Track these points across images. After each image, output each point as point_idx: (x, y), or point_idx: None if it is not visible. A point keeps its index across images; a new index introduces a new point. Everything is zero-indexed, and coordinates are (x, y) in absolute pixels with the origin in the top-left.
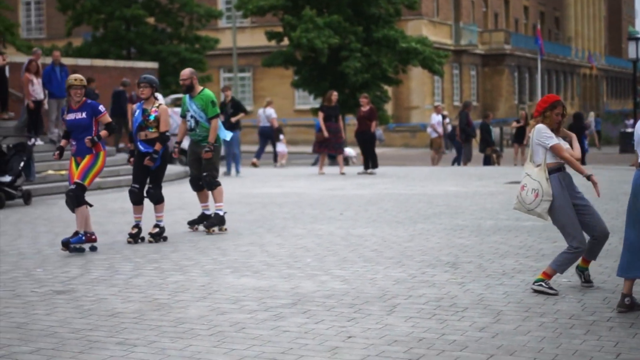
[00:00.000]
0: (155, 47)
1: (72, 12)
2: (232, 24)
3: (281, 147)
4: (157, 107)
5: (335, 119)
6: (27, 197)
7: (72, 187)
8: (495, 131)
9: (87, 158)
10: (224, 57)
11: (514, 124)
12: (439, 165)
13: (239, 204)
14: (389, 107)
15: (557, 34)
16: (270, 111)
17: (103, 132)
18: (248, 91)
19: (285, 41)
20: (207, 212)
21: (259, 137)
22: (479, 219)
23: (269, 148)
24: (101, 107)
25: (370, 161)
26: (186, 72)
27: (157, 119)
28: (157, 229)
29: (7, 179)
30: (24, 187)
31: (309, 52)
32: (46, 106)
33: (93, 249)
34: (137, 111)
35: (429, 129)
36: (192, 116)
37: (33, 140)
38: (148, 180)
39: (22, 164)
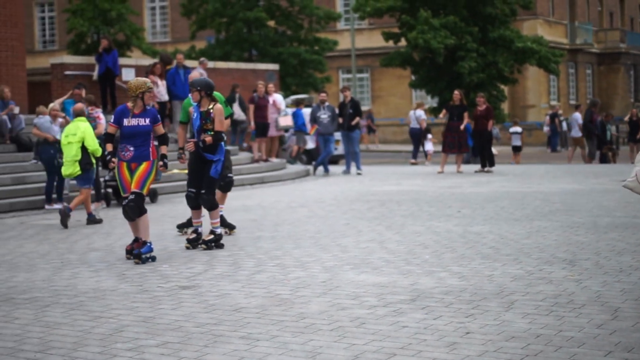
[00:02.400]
0: (276, 49)
1: (195, 16)
2: (350, 26)
3: (428, 146)
4: (212, 108)
5: (457, 117)
6: (153, 195)
7: (132, 197)
8: (612, 129)
9: (144, 165)
10: (343, 58)
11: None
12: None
13: (359, 201)
14: (505, 106)
15: None
16: (420, 113)
17: (164, 148)
18: (366, 91)
19: (403, 42)
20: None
21: (410, 137)
22: (596, 217)
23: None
24: (158, 116)
25: (487, 159)
26: (197, 75)
27: (212, 120)
28: (211, 236)
29: (88, 185)
30: (150, 186)
31: (426, 52)
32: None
33: (153, 259)
34: (195, 114)
35: (574, 130)
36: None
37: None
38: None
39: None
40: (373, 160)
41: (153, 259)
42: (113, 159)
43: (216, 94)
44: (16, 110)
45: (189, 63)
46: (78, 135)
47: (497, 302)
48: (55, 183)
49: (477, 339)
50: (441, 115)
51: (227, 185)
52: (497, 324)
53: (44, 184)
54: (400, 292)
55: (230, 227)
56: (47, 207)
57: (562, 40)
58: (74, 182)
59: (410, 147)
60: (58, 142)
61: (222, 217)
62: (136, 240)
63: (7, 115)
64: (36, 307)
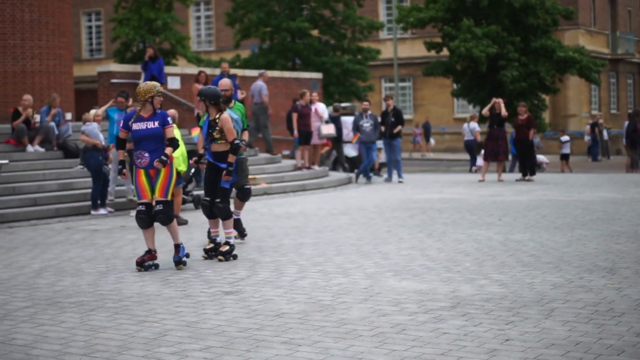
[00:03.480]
0: (320, 58)
1: (239, 25)
2: (393, 36)
3: (480, 161)
4: (218, 117)
5: (498, 126)
6: (197, 202)
7: (160, 207)
8: None
9: (164, 172)
10: (386, 68)
11: None
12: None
13: (400, 209)
14: (546, 115)
15: None
16: (474, 125)
17: (169, 150)
18: (408, 100)
19: (445, 51)
20: (236, 217)
21: (465, 150)
22: (636, 225)
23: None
24: (169, 118)
25: (528, 168)
26: (227, 82)
27: (220, 130)
28: (227, 247)
29: (179, 184)
30: (195, 193)
31: (468, 61)
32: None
33: (156, 266)
34: (205, 122)
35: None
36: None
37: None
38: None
39: (192, 170)
40: (414, 169)
41: (187, 255)
42: (124, 170)
43: (238, 105)
44: (68, 116)
45: (233, 71)
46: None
47: (537, 309)
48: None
49: (517, 346)
50: (484, 111)
51: (244, 194)
52: (537, 331)
53: (89, 190)
54: (440, 299)
55: (241, 234)
56: (92, 212)
57: (603, 50)
58: (122, 187)
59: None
60: (105, 148)
61: (237, 221)
62: (149, 252)
63: (55, 122)
64: (82, 311)
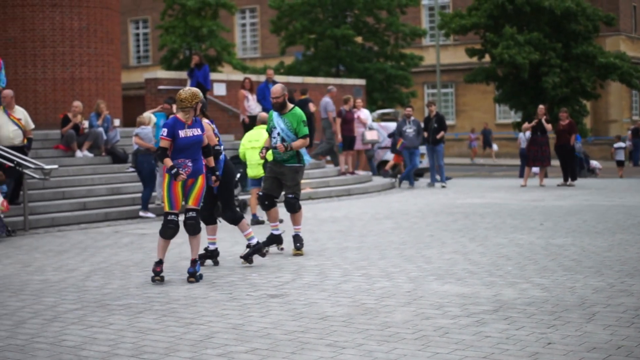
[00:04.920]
0: (363, 65)
1: (284, 32)
2: (435, 42)
3: (536, 169)
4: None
5: (541, 132)
6: (242, 207)
7: (193, 214)
8: None
9: (200, 180)
10: (428, 74)
11: None
12: None
13: (443, 214)
14: (587, 121)
15: None
16: (530, 134)
17: (211, 160)
18: (451, 106)
19: (486, 58)
20: (276, 232)
21: (520, 158)
22: None
23: None
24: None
25: (569, 173)
26: (278, 89)
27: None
28: (247, 249)
29: (255, 186)
30: (240, 197)
31: (510, 68)
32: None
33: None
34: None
35: None
36: (278, 133)
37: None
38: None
39: (237, 175)
40: (456, 174)
41: (201, 277)
42: (181, 172)
43: (297, 110)
44: (116, 122)
45: (278, 78)
46: (260, 141)
47: (579, 313)
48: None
49: (559, 349)
50: (525, 126)
51: (286, 205)
52: (578, 335)
53: (138, 194)
54: (483, 303)
55: (279, 242)
56: (141, 214)
57: None
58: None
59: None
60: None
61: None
62: (160, 262)
63: (103, 128)
64: (130, 313)
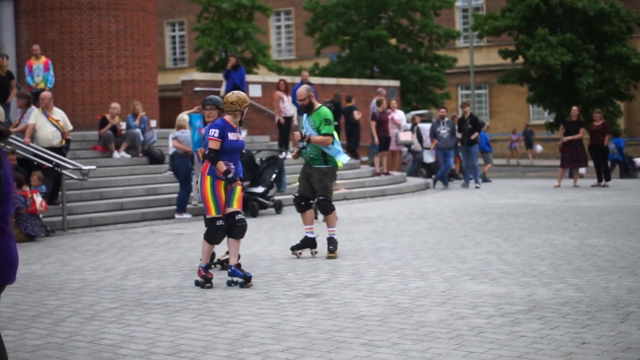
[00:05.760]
0: (397, 66)
1: (319, 34)
2: (469, 44)
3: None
4: None
5: (574, 133)
6: (278, 207)
7: (242, 216)
8: None
9: (238, 183)
10: (462, 75)
11: None
12: None
13: (477, 214)
14: (621, 122)
15: None
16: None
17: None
18: (484, 107)
19: (520, 59)
20: (311, 235)
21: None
22: None
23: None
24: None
25: (603, 174)
26: (302, 91)
27: None
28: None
29: (261, 189)
30: (276, 198)
31: (543, 69)
32: (296, 122)
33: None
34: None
35: None
36: (305, 134)
37: (284, 153)
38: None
39: (274, 176)
40: (492, 174)
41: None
42: (229, 174)
43: (323, 109)
44: (153, 123)
45: (312, 79)
46: None
47: (613, 313)
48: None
49: (593, 349)
50: (560, 132)
51: (319, 207)
52: (613, 335)
53: (174, 195)
54: (517, 303)
55: (313, 245)
56: (177, 216)
57: None
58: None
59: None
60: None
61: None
62: (208, 267)
63: (140, 129)
64: (167, 312)
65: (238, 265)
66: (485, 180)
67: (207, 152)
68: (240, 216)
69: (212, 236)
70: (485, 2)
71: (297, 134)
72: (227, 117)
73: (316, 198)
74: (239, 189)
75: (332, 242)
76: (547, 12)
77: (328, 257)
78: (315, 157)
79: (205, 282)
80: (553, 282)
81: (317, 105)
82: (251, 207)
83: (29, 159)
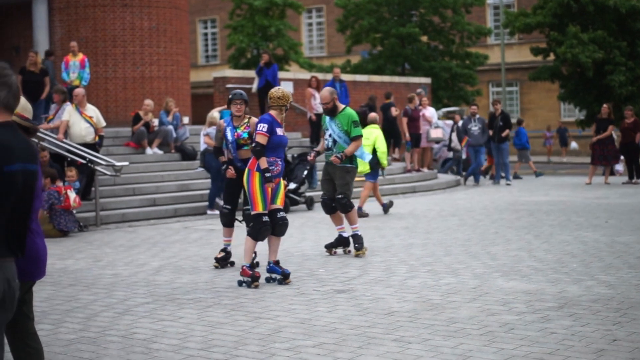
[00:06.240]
0: (428, 63)
1: (350, 31)
2: (500, 41)
3: (619, 167)
4: (248, 122)
5: (604, 131)
6: (309, 203)
7: (284, 214)
8: None
9: (272, 184)
10: (493, 72)
11: None
12: None
13: (508, 211)
14: None
15: None
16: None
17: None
18: (515, 104)
19: (551, 56)
20: (345, 235)
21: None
22: None
23: None
24: None
25: (634, 171)
26: (326, 95)
27: (250, 135)
28: (222, 254)
29: (292, 186)
30: (307, 194)
31: (574, 66)
32: None
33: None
34: (228, 129)
35: None
36: (330, 135)
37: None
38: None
39: (305, 172)
40: (524, 172)
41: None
42: (268, 173)
43: (348, 111)
44: (185, 120)
45: (344, 76)
46: (371, 139)
47: None
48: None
49: (624, 346)
50: (592, 129)
51: (339, 205)
52: None
53: (206, 191)
54: (548, 299)
55: (346, 244)
56: (209, 212)
57: None
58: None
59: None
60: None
61: (343, 238)
62: (252, 265)
63: (172, 126)
64: (199, 307)
65: (277, 262)
66: (516, 177)
67: (253, 145)
68: (282, 214)
69: (258, 232)
70: (517, 0)
71: (334, 159)
72: (273, 112)
73: (336, 195)
74: (282, 186)
75: (357, 240)
76: (578, 9)
77: (356, 256)
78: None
79: (252, 280)
80: (584, 279)
81: (341, 106)
82: None
83: (62, 155)
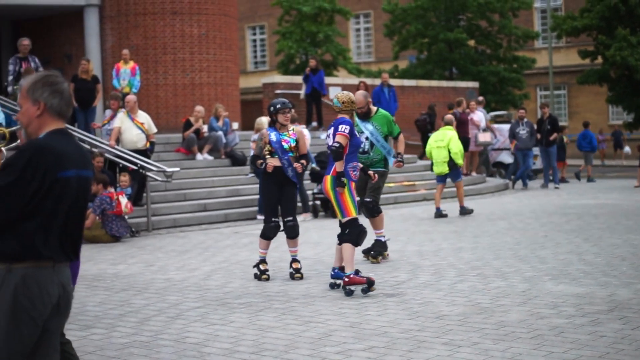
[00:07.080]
0: (476, 68)
1: (398, 37)
2: (548, 45)
3: None
4: (294, 130)
5: None
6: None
7: (360, 223)
8: None
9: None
10: (541, 76)
11: None
12: None
13: (556, 214)
14: None
15: None
16: None
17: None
18: (563, 108)
19: (599, 59)
20: (382, 240)
21: None
22: None
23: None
24: None
25: None
26: (361, 99)
27: (296, 141)
28: (298, 264)
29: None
30: None
31: (622, 69)
32: None
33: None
34: (275, 138)
35: None
36: (366, 138)
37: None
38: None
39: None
40: (569, 174)
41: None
42: (343, 177)
43: (383, 111)
44: (235, 126)
45: (392, 81)
46: (445, 140)
47: None
48: None
49: None
50: None
51: (366, 209)
52: None
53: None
54: (598, 303)
55: (384, 249)
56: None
57: None
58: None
59: None
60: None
61: (376, 242)
62: (357, 272)
63: (222, 131)
64: (250, 312)
65: (342, 268)
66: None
67: (335, 145)
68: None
69: (358, 237)
70: (564, 3)
71: (398, 165)
72: (346, 117)
73: (365, 198)
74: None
75: (379, 246)
76: (626, 12)
77: (372, 262)
78: (377, 161)
79: (369, 285)
80: (634, 283)
81: (374, 109)
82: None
83: (114, 162)
